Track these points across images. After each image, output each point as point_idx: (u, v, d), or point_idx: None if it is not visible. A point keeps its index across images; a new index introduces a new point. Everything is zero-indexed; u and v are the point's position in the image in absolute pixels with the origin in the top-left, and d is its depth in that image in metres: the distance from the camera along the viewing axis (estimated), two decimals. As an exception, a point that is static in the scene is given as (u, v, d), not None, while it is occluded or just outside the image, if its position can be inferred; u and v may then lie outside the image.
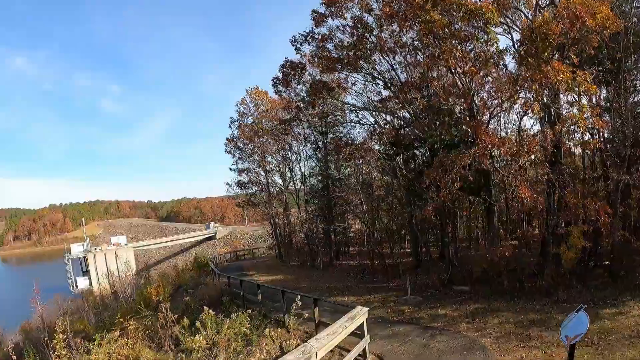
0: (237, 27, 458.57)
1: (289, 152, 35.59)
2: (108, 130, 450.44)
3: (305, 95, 23.99)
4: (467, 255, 22.15)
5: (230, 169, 38.61)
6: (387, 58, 21.00)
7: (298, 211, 36.38)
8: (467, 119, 18.51)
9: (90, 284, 75.56)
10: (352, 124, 27.39)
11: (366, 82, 22.81)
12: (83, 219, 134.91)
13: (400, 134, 21.90)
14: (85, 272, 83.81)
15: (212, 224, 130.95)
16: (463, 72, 16.90)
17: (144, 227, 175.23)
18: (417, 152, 23.89)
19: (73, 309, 30.20)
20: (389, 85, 21.95)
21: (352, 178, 31.20)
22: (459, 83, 18.54)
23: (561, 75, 13.01)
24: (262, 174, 37.66)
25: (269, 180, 37.56)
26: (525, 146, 15.72)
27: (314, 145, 34.36)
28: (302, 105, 23.71)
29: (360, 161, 27.72)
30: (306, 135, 34.10)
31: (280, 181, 37.39)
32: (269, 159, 37.50)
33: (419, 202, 21.20)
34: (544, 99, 15.99)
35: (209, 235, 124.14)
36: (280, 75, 24.56)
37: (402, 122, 22.83)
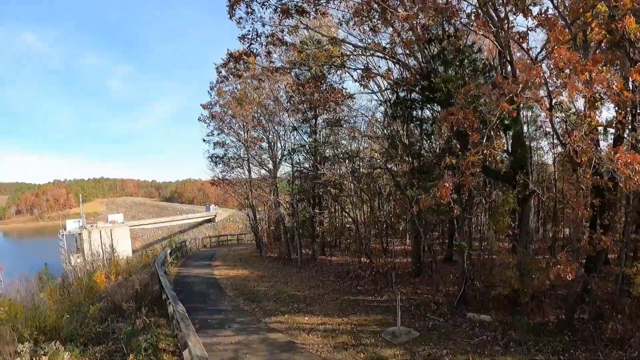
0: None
1: (270, 124, 29.18)
2: (116, 110, 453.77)
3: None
4: (484, 263, 15.69)
5: (204, 140, 32.47)
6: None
7: (273, 195, 30.02)
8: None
9: (84, 261, 72.34)
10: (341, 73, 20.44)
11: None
12: (80, 195, 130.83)
13: (404, 79, 15.13)
14: (79, 249, 79.92)
15: (213, 206, 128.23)
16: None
17: (145, 206, 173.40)
18: (426, 112, 16.95)
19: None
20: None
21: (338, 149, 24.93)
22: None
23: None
24: (243, 149, 31.48)
25: (250, 157, 31.36)
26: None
27: (301, 116, 28.06)
28: (267, 39, 16.66)
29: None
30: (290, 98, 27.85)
31: (265, 157, 31.17)
32: (252, 133, 31.37)
33: (425, 183, 14.52)
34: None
35: (209, 217, 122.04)
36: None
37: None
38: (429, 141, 16.16)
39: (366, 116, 20.67)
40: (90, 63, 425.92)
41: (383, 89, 16.33)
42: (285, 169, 30.45)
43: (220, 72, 13.29)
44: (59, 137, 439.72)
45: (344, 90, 14.46)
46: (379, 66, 15.54)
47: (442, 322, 11.82)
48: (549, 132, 19.21)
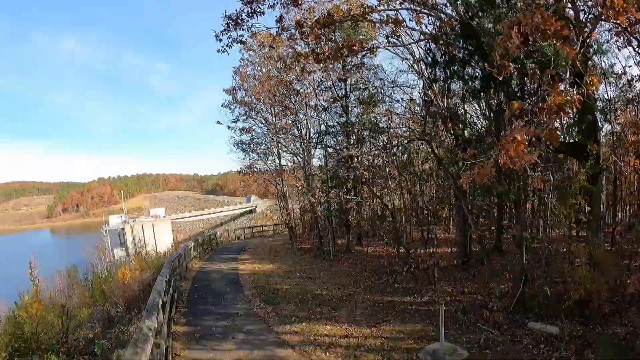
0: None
1: (298, 105, 26.84)
2: (157, 107, 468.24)
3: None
4: (546, 256, 12.71)
5: (229, 127, 30.55)
6: None
7: (305, 182, 27.72)
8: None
9: (128, 255, 73.77)
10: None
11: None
12: (122, 191, 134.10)
13: (442, 31, 12.14)
14: (123, 244, 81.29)
15: (253, 197, 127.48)
16: None
17: (187, 199, 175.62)
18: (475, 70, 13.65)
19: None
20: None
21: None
22: None
23: None
24: (271, 134, 29.37)
25: (279, 143, 29.24)
26: None
27: (331, 96, 25.66)
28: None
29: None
30: (321, 80, 25.48)
31: (295, 142, 28.93)
32: (280, 118, 29.24)
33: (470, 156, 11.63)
34: None
35: (249, 208, 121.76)
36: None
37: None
38: (479, 103, 13.30)
39: (401, 88, 17.94)
40: (130, 63, 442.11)
41: (415, 40, 13.62)
42: (316, 153, 28.25)
43: (221, 39, 11.23)
44: (102, 137, 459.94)
45: (363, 41, 11.79)
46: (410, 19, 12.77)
47: (497, 334, 9.17)
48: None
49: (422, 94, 14.85)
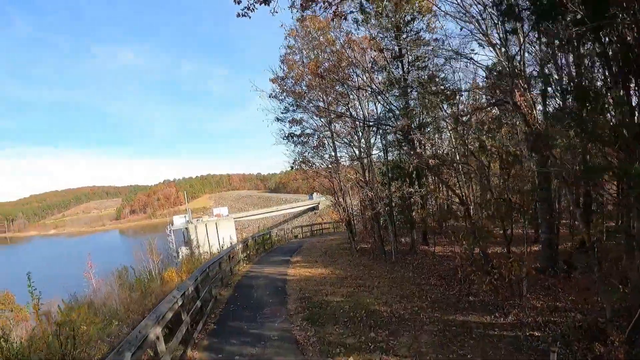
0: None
1: (352, 90, 24.00)
2: (217, 110, 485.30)
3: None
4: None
5: (278, 119, 28.23)
6: None
7: (363, 174, 24.79)
8: None
9: (192, 254, 74.85)
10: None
11: None
12: (185, 192, 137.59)
13: None
14: (187, 243, 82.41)
15: (316, 194, 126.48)
16: None
17: (251, 198, 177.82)
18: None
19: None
20: None
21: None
22: None
23: None
24: (324, 124, 26.81)
25: (333, 133, 26.58)
26: None
27: (387, 77, 22.74)
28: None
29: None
30: (374, 60, 22.60)
31: (351, 131, 26.17)
32: (334, 105, 26.59)
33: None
34: None
35: (312, 205, 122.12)
36: None
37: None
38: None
39: (470, 60, 14.62)
40: (189, 70, 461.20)
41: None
42: (375, 143, 25.34)
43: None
44: (165, 141, 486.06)
45: None
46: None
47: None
48: None
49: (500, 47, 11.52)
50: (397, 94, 23.13)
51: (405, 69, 22.92)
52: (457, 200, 20.21)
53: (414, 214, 21.81)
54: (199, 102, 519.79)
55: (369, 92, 23.40)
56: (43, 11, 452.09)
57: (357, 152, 24.84)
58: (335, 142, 27.16)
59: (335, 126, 26.52)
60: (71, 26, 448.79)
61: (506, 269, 11.08)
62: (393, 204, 21.80)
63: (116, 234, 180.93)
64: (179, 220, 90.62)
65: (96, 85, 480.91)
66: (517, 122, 15.35)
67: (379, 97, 23.28)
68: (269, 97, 27.57)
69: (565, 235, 18.33)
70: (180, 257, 72.31)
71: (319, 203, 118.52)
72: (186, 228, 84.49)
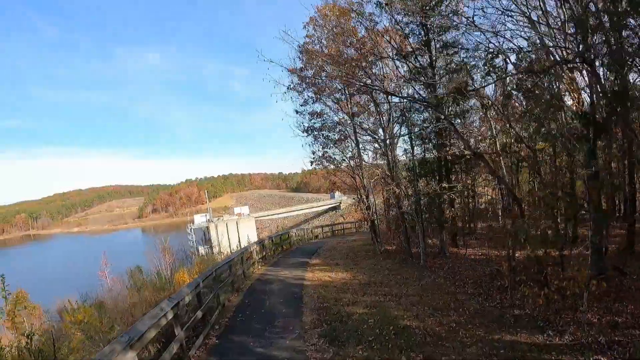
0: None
1: (375, 80, 22.07)
2: (239, 110, 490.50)
3: None
4: None
5: (297, 111, 26.47)
6: None
7: (388, 168, 22.76)
8: None
9: (212, 253, 74.59)
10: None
11: None
12: (206, 191, 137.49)
13: None
14: (207, 242, 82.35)
15: (337, 193, 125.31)
16: None
17: (272, 197, 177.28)
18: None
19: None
20: None
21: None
22: None
23: None
24: (345, 117, 24.99)
25: (355, 127, 24.73)
26: None
27: (412, 66, 20.78)
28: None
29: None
30: (399, 47, 20.72)
31: (374, 124, 24.26)
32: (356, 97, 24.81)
33: None
34: None
35: (334, 205, 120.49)
36: None
37: None
38: None
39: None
40: (212, 71, 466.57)
41: None
42: (400, 137, 23.39)
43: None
44: (187, 141, 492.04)
45: None
46: None
47: None
48: None
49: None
50: (425, 82, 21.27)
51: (433, 56, 20.97)
52: (489, 196, 18.28)
53: (447, 212, 19.91)
54: (221, 102, 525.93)
55: (394, 82, 21.63)
56: (67, 14, 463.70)
57: (381, 146, 22.96)
58: (358, 137, 25.40)
59: (357, 120, 24.79)
60: (95, 29, 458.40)
61: (566, 278, 9.17)
62: (421, 202, 19.91)
63: (138, 232, 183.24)
64: (199, 219, 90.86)
65: (121, 86, 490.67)
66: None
67: (405, 87, 21.52)
68: (287, 89, 25.90)
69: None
70: (200, 255, 72.54)
71: (340, 202, 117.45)
72: (206, 227, 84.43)
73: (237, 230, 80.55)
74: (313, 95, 25.87)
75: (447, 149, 20.48)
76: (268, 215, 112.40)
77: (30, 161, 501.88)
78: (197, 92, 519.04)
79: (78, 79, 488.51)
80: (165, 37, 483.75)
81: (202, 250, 76.91)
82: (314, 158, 26.21)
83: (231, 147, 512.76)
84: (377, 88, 19.94)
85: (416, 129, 21.23)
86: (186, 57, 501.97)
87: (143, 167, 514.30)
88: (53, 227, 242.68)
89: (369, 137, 25.26)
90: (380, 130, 22.67)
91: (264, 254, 22.30)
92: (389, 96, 20.57)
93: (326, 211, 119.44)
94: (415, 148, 21.58)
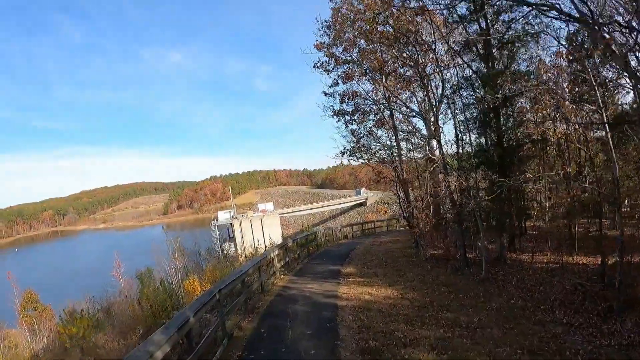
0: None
1: (418, 54, 18.33)
2: (263, 107, 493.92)
3: None
4: None
5: (325, 93, 22.89)
6: None
7: (440, 156, 18.73)
8: None
9: (236, 250, 72.41)
10: None
11: None
12: (230, 187, 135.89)
13: None
14: (231, 238, 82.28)
15: (363, 189, 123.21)
16: None
17: (297, 194, 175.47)
18: None
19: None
20: None
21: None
22: None
23: None
24: (382, 98, 21.30)
25: (393, 110, 21.05)
26: None
27: (463, 36, 16.96)
28: None
29: None
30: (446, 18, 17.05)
31: (416, 106, 20.52)
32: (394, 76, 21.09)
33: None
34: None
35: (360, 201, 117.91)
36: None
37: None
38: None
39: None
40: (234, 68, 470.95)
41: None
42: (448, 121, 19.57)
43: None
44: (211, 138, 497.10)
45: None
46: None
47: None
48: None
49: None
50: (478, 54, 17.58)
51: (487, 24, 17.13)
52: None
53: (512, 211, 16.16)
54: (245, 99, 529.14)
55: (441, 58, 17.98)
56: (91, 17, 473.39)
57: (428, 131, 19.19)
58: (396, 123, 21.73)
59: (396, 102, 21.15)
60: (119, 30, 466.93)
61: None
62: (479, 199, 16.12)
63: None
64: (223, 216, 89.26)
65: (145, 86, 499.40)
66: None
67: (454, 61, 17.84)
68: (314, 67, 22.46)
69: None
70: (226, 253, 70.68)
71: (366, 199, 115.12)
72: (230, 224, 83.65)
73: (261, 227, 78.91)
74: (344, 75, 22.27)
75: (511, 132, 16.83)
76: (293, 212, 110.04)
77: (57, 160, 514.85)
78: (221, 89, 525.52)
79: (103, 80, 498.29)
80: (187, 37, 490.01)
81: (225, 247, 75.28)
82: (344, 148, 22.63)
83: (255, 143, 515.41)
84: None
85: (473, 111, 17.47)
86: (210, 56, 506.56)
87: (168, 164, 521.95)
88: (79, 223, 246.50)
89: (407, 124, 21.71)
90: (430, 113, 18.81)
91: (287, 259, 18.88)
92: (441, 66, 16.84)
93: (352, 208, 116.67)
94: (470, 134, 17.84)
